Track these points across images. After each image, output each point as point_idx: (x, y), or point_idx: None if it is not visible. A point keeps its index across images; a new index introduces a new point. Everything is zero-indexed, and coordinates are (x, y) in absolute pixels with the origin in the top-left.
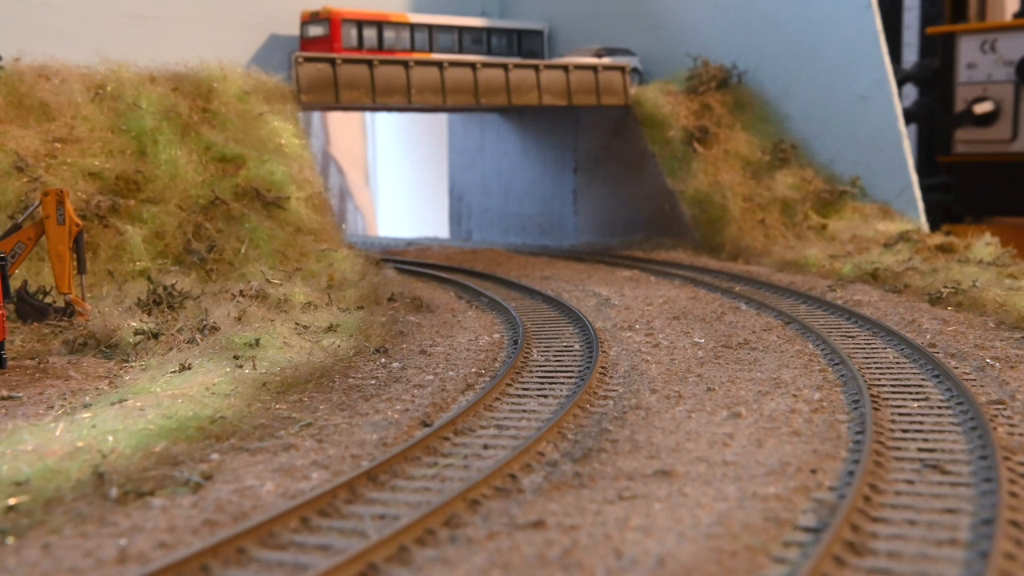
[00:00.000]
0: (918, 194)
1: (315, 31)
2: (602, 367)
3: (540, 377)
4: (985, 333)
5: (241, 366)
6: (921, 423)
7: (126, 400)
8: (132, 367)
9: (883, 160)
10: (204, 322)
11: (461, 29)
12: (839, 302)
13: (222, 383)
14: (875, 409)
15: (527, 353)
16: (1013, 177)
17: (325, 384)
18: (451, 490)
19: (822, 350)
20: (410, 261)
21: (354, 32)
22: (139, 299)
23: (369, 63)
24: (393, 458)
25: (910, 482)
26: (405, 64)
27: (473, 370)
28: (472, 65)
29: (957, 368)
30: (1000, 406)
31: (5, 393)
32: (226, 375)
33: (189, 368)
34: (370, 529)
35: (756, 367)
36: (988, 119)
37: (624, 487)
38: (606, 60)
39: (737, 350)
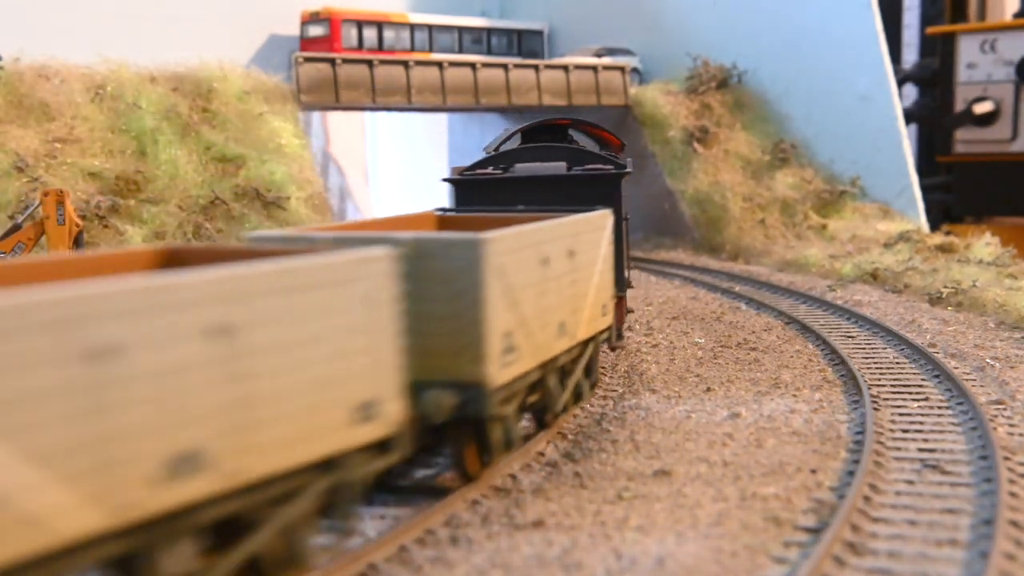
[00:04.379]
0: (918, 194)
1: (315, 31)
2: (601, 367)
3: None
4: (985, 333)
5: None
6: (921, 423)
7: None
8: None
9: (883, 160)
10: None
11: (461, 29)
12: (839, 302)
13: None
14: (875, 409)
15: None
16: (1013, 177)
17: None
18: None
19: (822, 350)
20: None
21: (354, 32)
22: None
23: (369, 63)
24: None
25: (910, 482)
26: (405, 64)
27: None
28: (472, 65)
29: (957, 368)
30: (1000, 406)
31: None
32: None
33: None
34: None
35: (756, 367)
36: (988, 119)
37: (624, 487)
38: (606, 60)
39: (737, 350)
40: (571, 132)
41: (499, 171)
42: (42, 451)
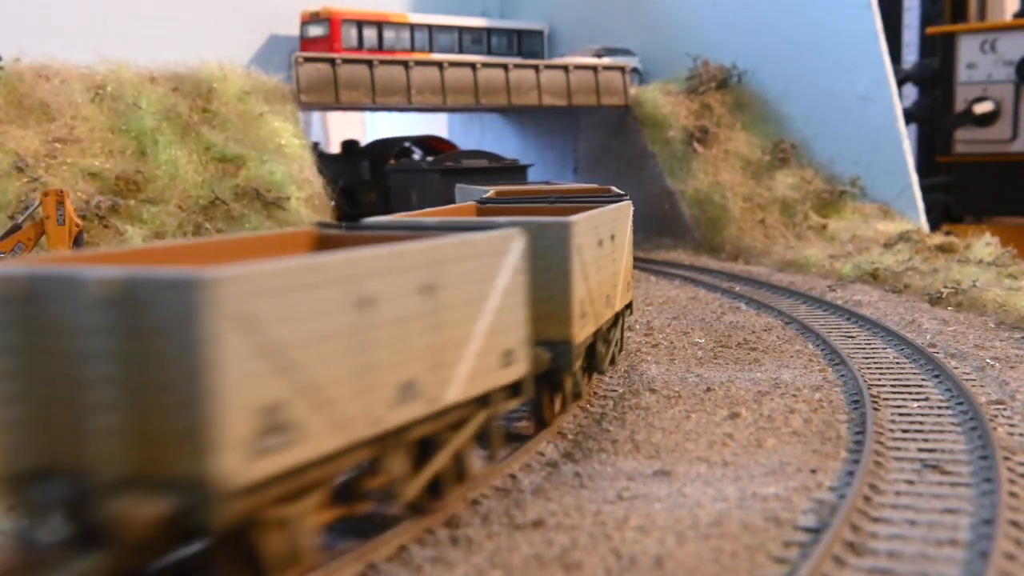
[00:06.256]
0: (918, 194)
1: (315, 31)
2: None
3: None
4: (985, 333)
5: None
6: (921, 423)
7: None
8: None
9: (883, 160)
10: None
11: (461, 29)
12: (839, 302)
13: None
14: (875, 409)
15: None
16: (1013, 177)
17: None
18: None
19: (822, 350)
20: None
21: (354, 32)
22: None
23: (369, 63)
24: None
25: (910, 482)
26: (405, 64)
27: None
28: (472, 65)
29: (957, 368)
30: (1000, 406)
31: None
32: None
33: None
34: None
35: (756, 367)
36: (988, 119)
37: (624, 487)
38: (606, 60)
39: (737, 350)
40: (407, 144)
41: (458, 164)
42: None
